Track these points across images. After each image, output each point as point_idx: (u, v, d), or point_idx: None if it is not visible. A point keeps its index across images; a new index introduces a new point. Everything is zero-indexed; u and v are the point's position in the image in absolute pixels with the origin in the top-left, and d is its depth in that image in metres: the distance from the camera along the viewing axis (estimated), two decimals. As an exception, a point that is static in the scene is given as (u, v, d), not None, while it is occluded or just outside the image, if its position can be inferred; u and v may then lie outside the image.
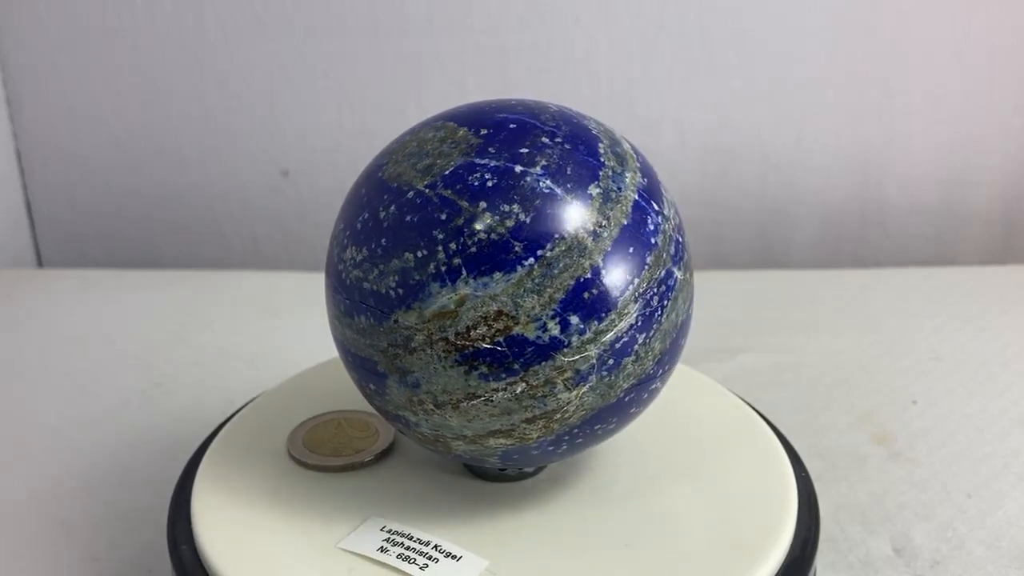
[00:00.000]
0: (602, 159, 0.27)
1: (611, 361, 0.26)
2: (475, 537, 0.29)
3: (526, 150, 0.26)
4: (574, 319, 0.25)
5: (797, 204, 0.70)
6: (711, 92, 0.67)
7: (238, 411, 0.37)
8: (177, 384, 0.51)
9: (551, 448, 0.28)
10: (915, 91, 0.66)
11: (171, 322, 0.59)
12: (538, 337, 0.25)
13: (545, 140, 0.27)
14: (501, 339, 0.25)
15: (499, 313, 0.25)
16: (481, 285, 0.25)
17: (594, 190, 0.26)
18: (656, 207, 0.28)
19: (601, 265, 0.26)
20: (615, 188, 0.27)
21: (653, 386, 0.28)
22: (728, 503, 0.31)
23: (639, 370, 0.27)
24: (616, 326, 0.26)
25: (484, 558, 0.28)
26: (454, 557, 0.28)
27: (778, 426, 0.36)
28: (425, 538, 0.29)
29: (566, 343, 0.26)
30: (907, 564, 0.35)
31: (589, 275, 0.26)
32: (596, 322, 0.26)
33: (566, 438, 0.28)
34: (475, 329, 0.25)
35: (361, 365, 0.28)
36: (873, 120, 0.67)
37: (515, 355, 0.26)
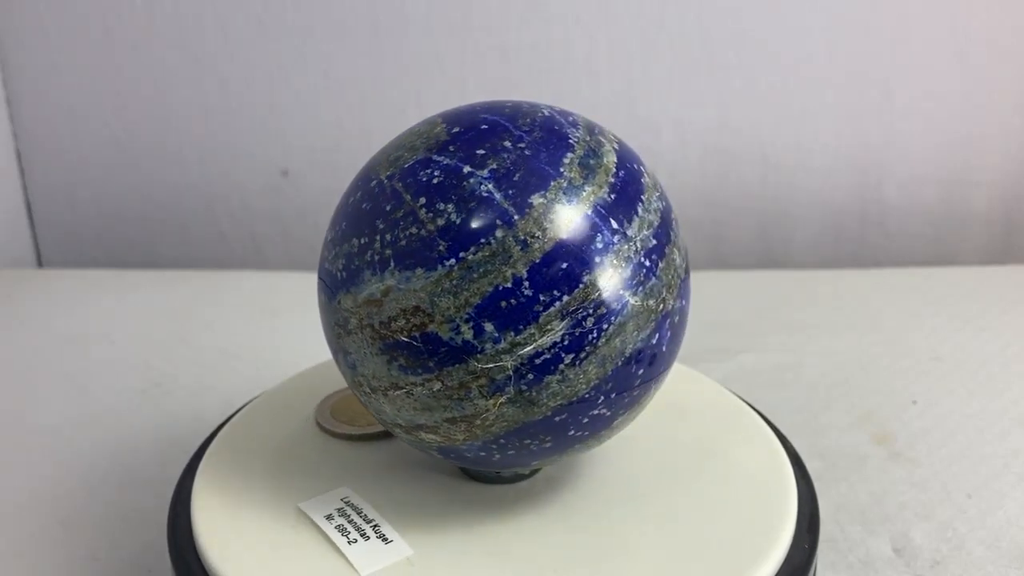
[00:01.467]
0: (562, 169, 0.26)
1: (530, 376, 0.25)
2: (423, 528, 0.29)
3: (482, 152, 0.26)
4: (488, 326, 0.25)
5: (797, 204, 0.70)
6: (711, 92, 0.67)
7: (238, 411, 0.37)
8: (177, 384, 0.51)
9: (483, 454, 0.28)
10: (915, 91, 0.66)
11: (171, 322, 0.59)
12: (451, 338, 0.25)
13: (507, 144, 0.26)
14: (417, 334, 0.26)
15: (416, 309, 0.25)
16: (404, 279, 0.26)
17: (536, 199, 0.25)
18: (615, 226, 0.26)
19: (524, 276, 0.25)
20: (563, 200, 0.26)
21: (595, 412, 0.27)
22: (728, 503, 0.30)
23: (568, 391, 0.26)
24: (536, 341, 0.25)
25: (414, 548, 0.28)
26: (385, 540, 0.28)
27: (778, 426, 0.36)
28: (371, 516, 0.29)
29: (479, 349, 0.25)
30: (907, 564, 0.35)
31: (510, 284, 0.25)
32: (513, 333, 0.25)
33: (494, 447, 0.27)
34: (395, 321, 0.26)
35: (327, 340, 0.29)
36: (873, 120, 0.67)
37: (429, 353, 0.26)
